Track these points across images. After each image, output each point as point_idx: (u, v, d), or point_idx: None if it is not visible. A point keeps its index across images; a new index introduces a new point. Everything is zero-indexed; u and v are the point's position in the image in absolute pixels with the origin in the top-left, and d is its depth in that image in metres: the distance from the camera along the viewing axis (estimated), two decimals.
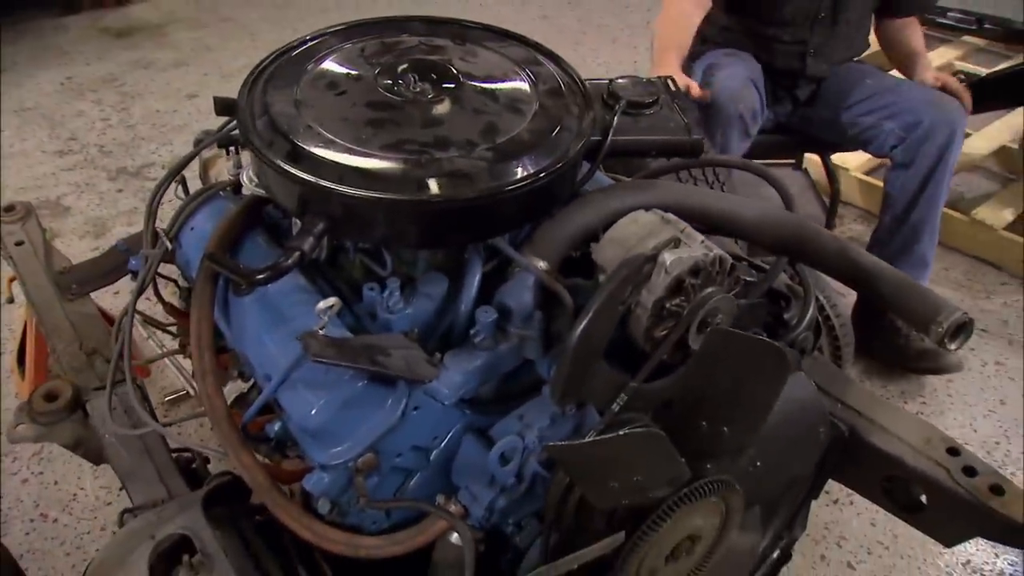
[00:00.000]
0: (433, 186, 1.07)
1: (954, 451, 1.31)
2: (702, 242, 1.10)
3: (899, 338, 2.46)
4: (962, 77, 3.20)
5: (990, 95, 3.03)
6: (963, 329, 1.21)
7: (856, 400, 1.41)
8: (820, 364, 1.45)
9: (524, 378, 1.21)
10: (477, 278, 1.17)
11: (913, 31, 2.45)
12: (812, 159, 2.92)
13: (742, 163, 1.54)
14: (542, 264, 1.14)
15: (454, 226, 1.14)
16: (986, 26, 3.98)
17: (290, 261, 1.08)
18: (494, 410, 1.19)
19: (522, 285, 1.14)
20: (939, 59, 3.88)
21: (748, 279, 1.28)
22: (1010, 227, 2.82)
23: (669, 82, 1.41)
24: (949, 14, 4.07)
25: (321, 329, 1.04)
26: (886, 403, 1.42)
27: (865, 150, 2.51)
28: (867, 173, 3.16)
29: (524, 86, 1.25)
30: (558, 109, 1.22)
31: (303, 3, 5.26)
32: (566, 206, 1.20)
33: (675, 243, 1.08)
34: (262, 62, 1.27)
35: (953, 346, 1.22)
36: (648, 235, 1.12)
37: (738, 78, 2.30)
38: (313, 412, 1.07)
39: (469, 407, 1.18)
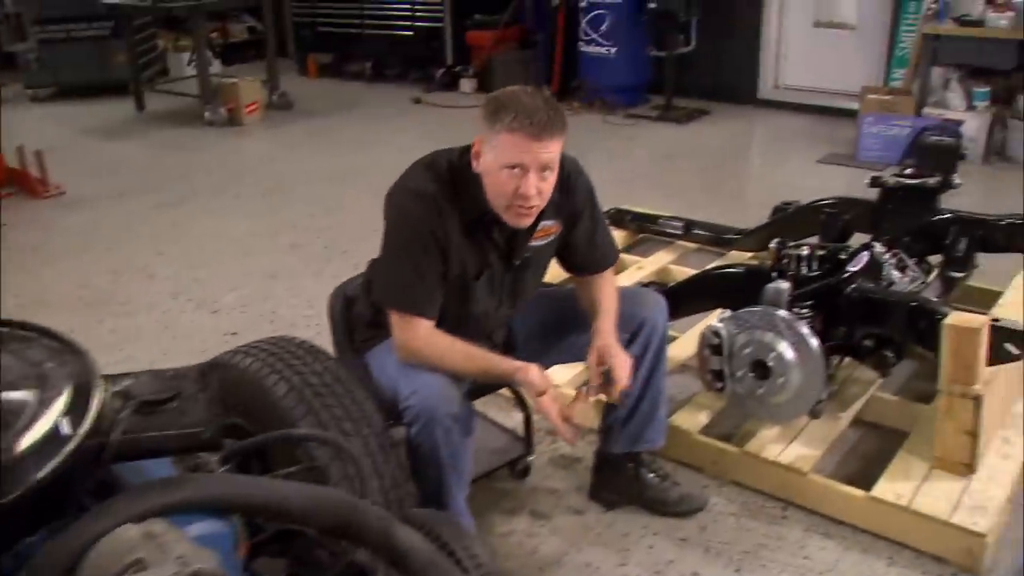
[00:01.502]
0: None
1: None
2: (178, 558, 1.04)
3: (648, 490, 2.65)
4: (655, 286, 3.43)
5: (682, 301, 3.24)
6: None
7: None
8: None
9: None
10: None
11: (596, 286, 2.49)
12: None
13: (303, 435, 1.53)
14: None
15: None
16: (694, 231, 4.32)
17: None
18: None
19: None
20: (655, 263, 4.16)
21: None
22: (705, 430, 2.92)
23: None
24: (660, 221, 4.40)
25: None
26: None
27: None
28: None
29: (22, 389, 1.18)
30: (54, 415, 1.15)
31: (59, 242, 5.14)
32: (87, 512, 1.12)
33: (140, 566, 1.01)
34: None
35: None
36: (124, 554, 1.04)
37: (434, 382, 2.14)
38: None
39: None
